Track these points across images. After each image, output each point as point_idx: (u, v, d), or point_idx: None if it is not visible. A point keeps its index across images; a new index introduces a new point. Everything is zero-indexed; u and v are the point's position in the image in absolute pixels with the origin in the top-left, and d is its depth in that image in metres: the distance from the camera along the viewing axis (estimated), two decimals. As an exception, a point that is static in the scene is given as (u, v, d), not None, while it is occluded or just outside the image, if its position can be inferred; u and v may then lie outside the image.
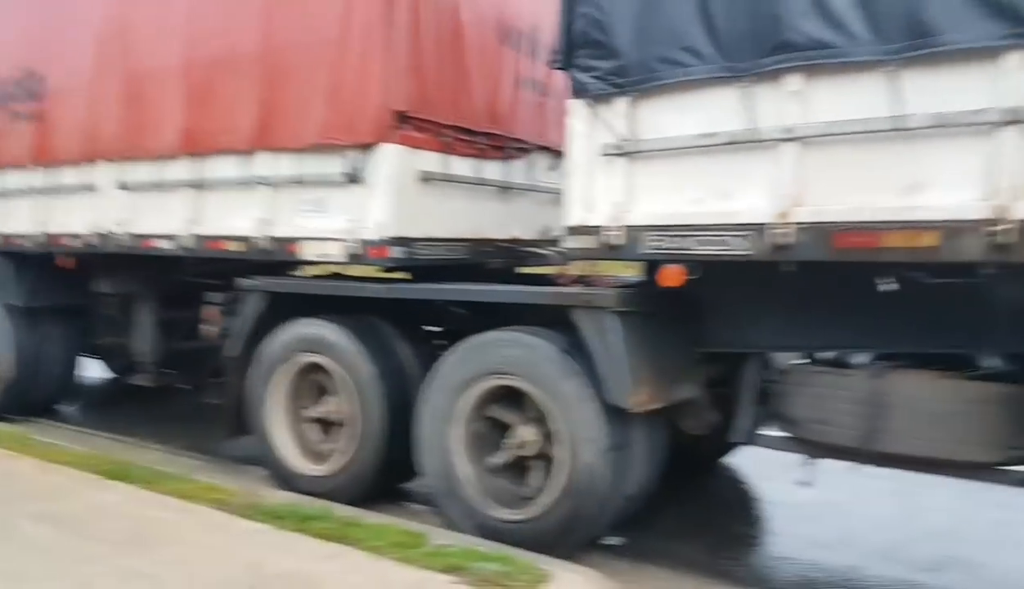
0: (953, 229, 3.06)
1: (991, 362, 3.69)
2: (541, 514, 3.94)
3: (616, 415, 3.83)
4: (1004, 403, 3.48)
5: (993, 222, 2.98)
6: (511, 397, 4.13)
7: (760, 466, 5.34)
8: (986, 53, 2.99)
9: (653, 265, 3.94)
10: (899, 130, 3.15)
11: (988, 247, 3.00)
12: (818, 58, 3.28)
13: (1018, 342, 3.47)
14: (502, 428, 4.20)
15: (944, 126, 3.08)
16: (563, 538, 3.91)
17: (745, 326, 4.04)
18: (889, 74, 3.14)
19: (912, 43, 3.09)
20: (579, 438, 3.84)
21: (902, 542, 4.50)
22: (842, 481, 4.54)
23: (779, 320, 3.95)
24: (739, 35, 3.45)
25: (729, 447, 5.41)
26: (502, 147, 5.11)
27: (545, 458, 4.02)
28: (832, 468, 3.96)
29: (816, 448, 3.88)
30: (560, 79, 4.02)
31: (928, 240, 3.11)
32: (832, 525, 4.73)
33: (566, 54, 3.93)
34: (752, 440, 4.21)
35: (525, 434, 4.08)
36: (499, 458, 4.18)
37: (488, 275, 5.06)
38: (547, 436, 3.98)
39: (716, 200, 3.59)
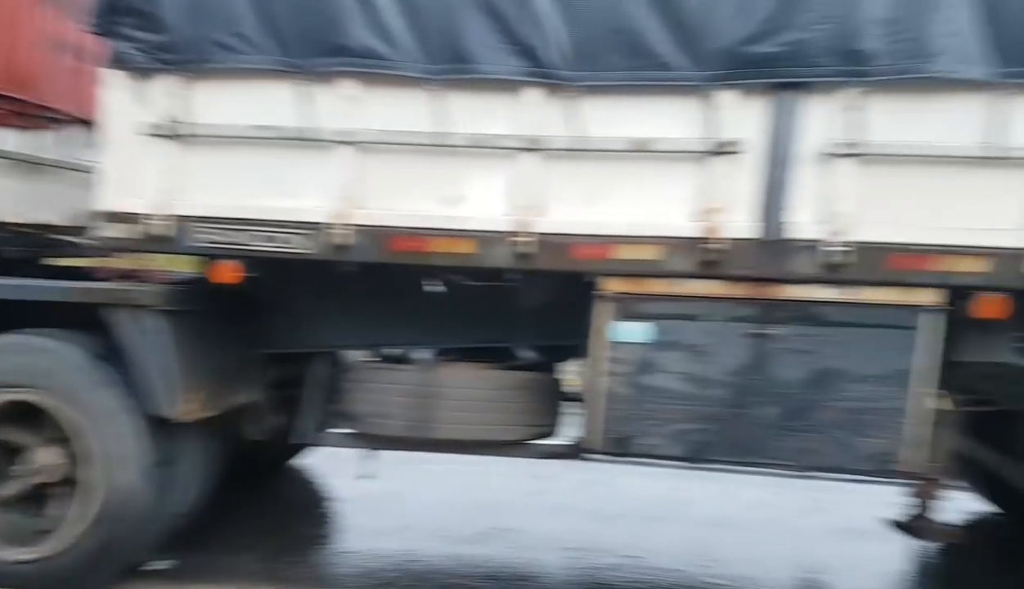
0: (486, 239, 3.45)
1: (525, 353, 4.27)
2: (66, 548, 3.42)
3: (161, 427, 3.48)
4: (529, 388, 4.03)
5: (515, 234, 3.42)
6: (27, 414, 3.47)
7: (330, 464, 5.38)
8: (512, 85, 3.40)
9: (212, 260, 3.66)
10: (442, 146, 3.43)
11: (513, 256, 3.43)
12: (370, 67, 3.38)
13: (540, 336, 4.06)
14: (13, 452, 3.52)
15: (478, 146, 3.43)
16: (94, 572, 3.46)
17: (309, 326, 4.01)
18: (434, 92, 3.39)
19: (454, 66, 3.38)
20: (115, 457, 3.41)
21: (454, 520, 4.95)
22: (402, 470, 4.84)
23: (342, 319, 4.01)
24: (297, 31, 3.39)
25: (300, 448, 5.35)
26: (24, 114, 4.25)
27: (72, 483, 3.46)
28: (394, 459, 4.15)
29: (377, 441, 4.02)
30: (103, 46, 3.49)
31: (466, 247, 3.46)
32: (392, 513, 4.98)
33: (105, 19, 3.46)
34: (317, 440, 4.19)
35: (45, 457, 3.49)
36: (9, 489, 3.52)
37: (4, 266, 4.14)
38: (74, 457, 3.44)
39: (275, 196, 3.51)
